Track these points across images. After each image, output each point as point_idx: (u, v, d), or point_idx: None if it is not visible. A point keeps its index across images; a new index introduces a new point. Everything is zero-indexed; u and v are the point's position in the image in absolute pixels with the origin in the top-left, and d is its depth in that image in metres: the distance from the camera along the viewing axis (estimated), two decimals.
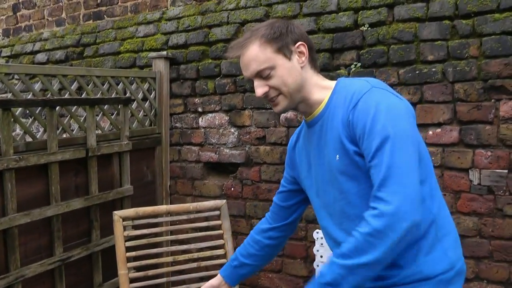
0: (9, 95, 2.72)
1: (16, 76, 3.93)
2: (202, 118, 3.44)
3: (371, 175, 1.25)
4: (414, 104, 2.67)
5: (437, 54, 2.64)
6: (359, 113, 1.28)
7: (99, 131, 3.06)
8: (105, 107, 3.12)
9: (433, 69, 2.65)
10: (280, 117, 3.13)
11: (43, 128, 2.80)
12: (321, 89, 1.43)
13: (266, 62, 1.36)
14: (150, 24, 3.77)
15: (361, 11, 2.88)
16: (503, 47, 2.47)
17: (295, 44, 1.39)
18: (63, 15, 4.42)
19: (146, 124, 3.48)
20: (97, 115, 3.05)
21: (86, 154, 2.82)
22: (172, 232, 3.18)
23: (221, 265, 1.81)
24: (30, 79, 3.85)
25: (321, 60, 2.94)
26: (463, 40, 2.58)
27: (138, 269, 2.49)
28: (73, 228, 2.80)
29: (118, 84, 3.32)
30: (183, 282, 2.61)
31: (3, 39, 4.82)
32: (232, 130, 3.32)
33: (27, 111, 2.78)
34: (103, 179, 2.97)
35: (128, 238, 2.46)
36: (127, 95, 3.33)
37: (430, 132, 2.67)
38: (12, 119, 2.45)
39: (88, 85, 3.29)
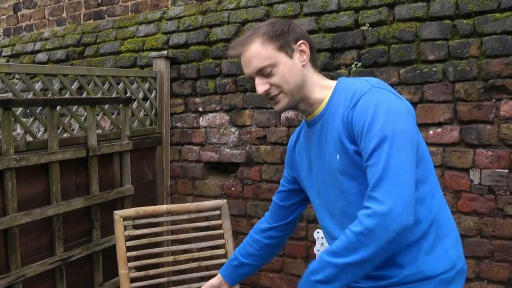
0: (10, 95, 2.72)
1: (16, 76, 3.93)
2: (203, 118, 3.44)
3: (367, 175, 1.25)
4: (414, 104, 2.67)
5: (438, 54, 2.64)
6: (359, 112, 1.28)
7: (100, 131, 3.06)
8: (106, 106, 3.12)
9: (434, 69, 2.64)
10: (281, 117, 3.13)
11: (43, 128, 2.80)
12: (322, 88, 1.43)
13: (268, 59, 1.36)
14: (151, 24, 3.77)
15: (361, 11, 2.88)
16: (504, 47, 2.47)
17: (297, 42, 1.40)
18: (64, 15, 4.42)
19: (146, 123, 3.48)
20: (98, 115, 3.05)
21: (87, 154, 2.82)
22: (172, 232, 3.18)
23: (221, 265, 1.81)
24: (31, 79, 3.85)
25: (322, 60, 2.94)
26: (464, 39, 2.58)
27: (138, 268, 2.49)
28: (74, 227, 2.80)
29: (118, 84, 3.32)
30: (184, 281, 2.61)
31: (4, 38, 4.83)
32: (233, 130, 3.32)
33: (28, 111, 2.78)
34: (103, 178, 2.98)
35: (129, 238, 2.46)
36: (128, 94, 3.33)
37: (431, 132, 2.67)
38: (12, 119, 2.46)
39: (88, 85, 3.29)
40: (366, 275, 1.35)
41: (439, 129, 2.65)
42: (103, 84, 3.23)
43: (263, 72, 1.37)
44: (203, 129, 3.44)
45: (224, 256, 2.60)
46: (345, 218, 1.38)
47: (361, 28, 2.86)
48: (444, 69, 2.63)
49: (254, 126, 3.23)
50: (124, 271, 2.40)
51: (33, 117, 2.76)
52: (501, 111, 2.50)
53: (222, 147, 3.36)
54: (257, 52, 1.37)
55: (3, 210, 2.39)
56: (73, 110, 3.01)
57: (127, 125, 3.14)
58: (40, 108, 3.03)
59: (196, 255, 2.63)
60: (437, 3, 2.65)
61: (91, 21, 4.23)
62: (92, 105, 2.89)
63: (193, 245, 2.67)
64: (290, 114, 3.09)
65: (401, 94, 1.36)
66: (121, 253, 2.40)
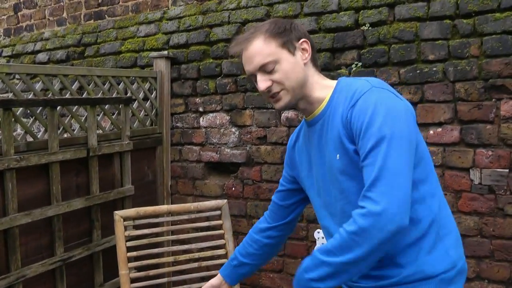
0: (10, 95, 2.72)
1: (17, 76, 3.93)
2: (203, 118, 3.44)
3: (363, 175, 1.24)
4: (415, 104, 2.67)
5: (438, 54, 2.64)
6: (358, 111, 1.28)
7: (100, 131, 3.06)
8: (106, 107, 3.12)
9: (434, 69, 2.64)
10: (281, 117, 3.13)
11: (44, 128, 2.80)
12: (322, 87, 1.43)
13: (270, 55, 1.36)
14: (151, 24, 3.77)
15: (362, 11, 2.88)
16: (504, 47, 2.47)
17: (299, 40, 1.40)
18: (64, 15, 4.42)
19: (147, 124, 3.48)
20: (98, 115, 3.05)
21: (87, 154, 2.82)
22: (173, 232, 3.18)
23: (222, 265, 1.81)
24: (31, 79, 3.86)
25: (322, 60, 2.94)
26: (464, 39, 2.58)
27: (139, 269, 2.49)
28: (74, 228, 2.80)
29: (119, 84, 3.32)
30: (184, 282, 2.61)
31: (4, 39, 4.83)
32: (233, 130, 3.32)
33: (28, 111, 2.78)
34: (104, 179, 2.98)
35: (129, 238, 2.46)
36: (128, 95, 3.33)
37: (431, 132, 2.67)
38: (13, 119, 2.46)
39: (89, 85, 3.29)
40: (366, 274, 1.35)
41: (439, 129, 2.65)
42: (104, 84, 3.23)
43: (266, 69, 1.37)
44: (204, 129, 3.44)
45: (225, 256, 2.60)
46: (345, 218, 1.37)
47: (362, 28, 2.86)
48: (444, 69, 2.63)
49: (254, 126, 3.23)
50: (124, 271, 2.40)
51: (34, 117, 2.76)
52: (501, 110, 2.49)
53: (223, 147, 3.36)
54: (260, 48, 1.37)
55: (3, 211, 2.39)
56: (74, 110, 3.01)
57: (127, 125, 3.14)
58: (40, 108, 3.04)
59: (196, 255, 2.63)
60: (437, 3, 2.65)
61: (92, 21, 4.24)
62: (93, 105, 2.89)
63: (193, 245, 2.66)
64: (290, 114, 3.09)
65: (401, 94, 1.36)
66: (122, 254, 2.40)
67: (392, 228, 1.16)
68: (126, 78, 3.31)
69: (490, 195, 2.54)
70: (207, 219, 2.79)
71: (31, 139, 2.71)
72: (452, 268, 1.33)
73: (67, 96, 3.01)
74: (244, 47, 1.40)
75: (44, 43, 4.37)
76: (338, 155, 1.34)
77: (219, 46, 3.36)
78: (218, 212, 2.64)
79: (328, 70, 2.93)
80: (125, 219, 2.46)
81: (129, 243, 2.43)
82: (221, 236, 2.63)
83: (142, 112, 3.45)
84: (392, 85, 2.49)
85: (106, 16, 4.15)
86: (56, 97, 2.87)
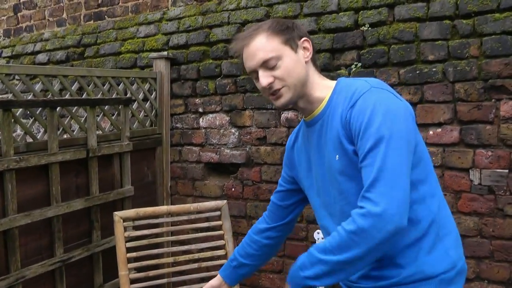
0: (10, 96, 2.72)
1: (16, 77, 3.93)
2: (203, 119, 3.44)
3: (362, 175, 1.24)
4: (414, 104, 2.67)
5: (438, 54, 2.64)
6: (357, 112, 1.28)
7: (100, 132, 3.06)
8: (106, 107, 3.12)
9: (434, 69, 2.64)
10: (281, 118, 3.13)
11: (43, 129, 2.80)
12: (322, 87, 1.43)
13: (273, 51, 1.36)
14: (151, 25, 3.77)
15: (361, 11, 2.88)
16: (504, 47, 2.47)
17: (300, 39, 1.41)
18: (64, 16, 4.42)
19: (146, 124, 3.48)
20: (98, 116, 3.05)
21: (87, 155, 2.82)
22: (172, 233, 3.18)
23: (221, 266, 1.81)
24: (31, 80, 3.85)
25: (322, 60, 2.94)
26: (464, 40, 2.58)
27: (138, 270, 2.49)
28: (74, 228, 2.80)
29: (118, 85, 3.32)
30: (184, 282, 2.61)
31: (4, 39, 4.83)
32: (233, 131, 3.32)
33: (28, 112, 2.78)
34: (103, 179, 2.98)
35: (129, 239, 2.46)
36: (128, 95, 3.33)
37: (431, 132, 2.67)
38: (12, 120, 2.46)
39: (88, 86, 3.29)
40: (366, 275, 1.35)
41: (439, 129, 2.65)
42: (103, 85, 3.23)
43: (268, 65, 1.37)
44: (203, 130, 3.44)
45: (224, 257, 2.60)
46: (344, 218, 1.37)
47: (361, 28, 2.86)
48: (444, 69, 2.63)
49: (254, 126, 3.23)
50: (124, 272, 2.40)
51: (33, 118, 2.76)
52: (501, 111, 2.49)
53: (222, 148, 3.36)
54: (262, 44, 1.37)
55: (3, 211, 2.39)
56: (73, 111, 3.01)
57: (127, 126, 3.14)
58: (40, 109, 3.04)
59: (196, 256, 2.63)
60: (437, 3, 2.65)
61: (91, 22, 4.24)
62: (92, 106, 2.89)
63: (193, 246, 2.66)
64: (290, 114, 3.09)
65: (401, 94, 1.37)
66: (121, 254, 2.40)
67: (391, 228, 1.16)
68: (126, 78, 3.31)
69: (490, 196, 2.54)
70: (207, 219, 2.79)
71: (31, 140, 2.71)
72: (452, 268, 1.33)
73: (67, 97, 3.01)
74: (246, 43, 1.40)
75: (43, 43, 4.37)
76: (337, 156, 1.34)
77: (218, 46, 3.36)
78: (217, 213, 2.64)
79: (328, 70, 2.93)
80: (125, 219, 2.46)
81: (129, 244, 2.43)
82: (220, 237, 2.63)
83: (142, 112, 3.45)
84: (392, 85, 2.49)
85: (106, 16, 4.15)
86: (55, 98, 2.87)
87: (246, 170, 3.27)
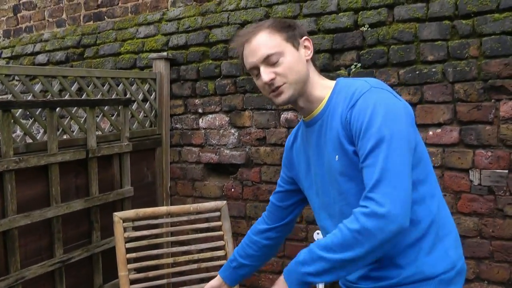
0: (10, 97, 2.72)
1: (16, 77, 3.94)
2: (203, 119, 3.44)
3: (363, 176, 1.24)
4: (414, 105, 2.67)
5: (437, 54, 2.64)
6: (357, 112, 1.28)
7: (99, 132, 3.06)
8: (106, 108, 3.12)
9: (433, 69, 2.64)
10: (281, 118, 3.12)
11: (43, 129, 2.80)
12: (322, 87, 1.44)
13: (276, 47, 1.36)
14: (151, 25, 3.77)
15: (361, 12, 2.88)
16: (503, 47, 2.47)
17: (302, 37, 1.42)
18: (64, 16, 4.42)
19: (146, 125, 3.48)
20: (97, 116, 3.05)
21: (86, 155, 2.82)
22: (172, 233, 3.17)
23: (221, 266, 1.81)
24: (31, 80, 3.86)
25: (321, 61, 2.94)
26: (463, 40, 2.58)
27: (138, 270, 2.48)
28: (73, 229, 2.80)
29: (118, 85, 3.32)
30: (184, 283, 2.61)
31: (3, 40, 4.83)
32: (232, 131, 3.32)
33: (27, 112, 2.78)
34: (103, 180, 2.97)
35: (129, 240, 2.46)
36: (128, 96, 3.33)
37: (430, 133, 2.66)
38: (12, 121, 2.45)
39: (88, 86, 3.29)
40: (365, 275, 1.35)
41: (439, 130, 2.65)
42: (103, 86, 3.23)
43: (270, 61, 1.36)
44: (203, 131, 3.44)
45: (224, 257, 2.60)
46: (344, 219, 1.38)
47: (361, 29, 2.86)
48: (443, 70, 2.63)
49: (253, 127, 3.23)
50: (123, 272, 2.39)
51: (33, 118, 2.76)
52: (501, 111, 2.49)
53: (222, 148, 3.36)
54: (265, 40, 1.37)
55: (2, 212, 2.39)
56: (73, 111, 3.01)
57: (126, 126, 3.14)
58: (39, 109, 3.03)
59: (196, 256, 2.63)
60: (436, 3, 2.65)
61: (91, 22, 4.23)
62: (92, 106, 2.88)
63: (193, 247, 2.66)
64: (289, 115, 3.09)
65: (400, 95, 1.37)
66: (121, 255, 2.40)
67: (394, 228, 1.17)
68: (125, 79, 3.31)
69: (490, 196, 2.54)
70: (207, 220, 2.79)
71: (31, 141, 2.71)
72: (451, 268, 1.33)
73: (67, 97, 3.01)
74: (248, 40, 1.40)
75: (43, 44, 4.37)
76: (337, 156, 1.34)
77: (218, 47, 3.36)
78: (217, 213, 2.64)
79: (327, 71, 2.93)
80: (125, 220, 2.45)
81: (129, 245, 2.43)
82: (220, 238, 2.63)
83: (142, 113, 3.44)
84: (392, 86, 2.50)
85: (105, 17, 4.15)
86: (55, 99, 2.87)
87: (245, 171, 3.26)
